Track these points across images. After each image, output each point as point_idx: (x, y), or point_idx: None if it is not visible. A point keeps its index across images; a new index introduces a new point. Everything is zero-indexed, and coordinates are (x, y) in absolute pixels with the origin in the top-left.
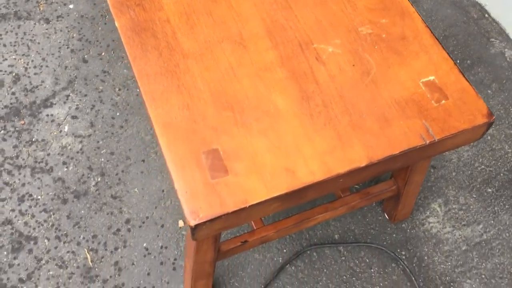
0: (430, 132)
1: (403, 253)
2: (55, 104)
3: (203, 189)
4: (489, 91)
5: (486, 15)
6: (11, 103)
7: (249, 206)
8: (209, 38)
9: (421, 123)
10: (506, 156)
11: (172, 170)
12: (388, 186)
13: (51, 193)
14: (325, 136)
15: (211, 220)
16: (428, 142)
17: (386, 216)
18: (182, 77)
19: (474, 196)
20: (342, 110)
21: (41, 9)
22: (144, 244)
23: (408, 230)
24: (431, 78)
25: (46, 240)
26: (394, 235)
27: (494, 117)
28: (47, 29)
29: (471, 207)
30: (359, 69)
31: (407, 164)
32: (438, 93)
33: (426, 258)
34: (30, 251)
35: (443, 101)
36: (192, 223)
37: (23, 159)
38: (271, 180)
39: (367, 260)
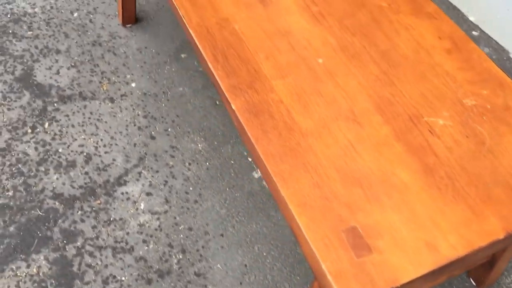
0: None
1: None
2: (128, 181)
3: (351, 269)
4: None
5: None
6: (85, 183)
7: (400, 286)
8: (323, 116)
9: None
10: None
11: (317, 251)
12: None
13: (134, 273)
14: (456, 209)
15: None
16: None
17: (473, 281)
18: (305, 155)
19: None
20: (467, 182)
21: (105, 88)
22: None
23: None
24: None
25: None
26: None
27: None
28: (112, 108)
29: None
30: (473, 140)
31: None
32: None
33: None
34: None
35: None
36: None
37: (103, 240)
38: (415, 257)
39: None
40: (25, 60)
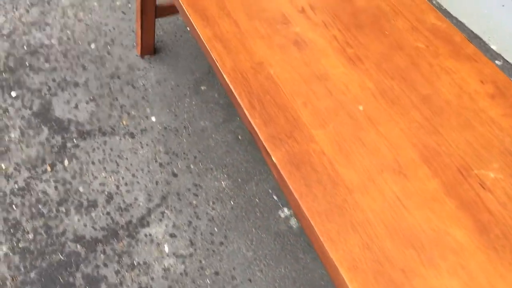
0: None
1: None
2: (151, 222)
3: None
4: None
5: None
6: (107, 225)
7: None
8: (368, 168)
9: None
10: None
11: None
12: None
13: None
14: None
15: None
16: None
17: None
18: (353, 213)
19: None
20: None
21: (124, 123)
22: None
23: None
24: None
25: None
26: None
27: None
28: (133, 144)
29: None
30: None
31: None
32: None
33: None
34: None
35: None
36: None
37: (128, 286)
38: None
39: None
40: (43, 94)
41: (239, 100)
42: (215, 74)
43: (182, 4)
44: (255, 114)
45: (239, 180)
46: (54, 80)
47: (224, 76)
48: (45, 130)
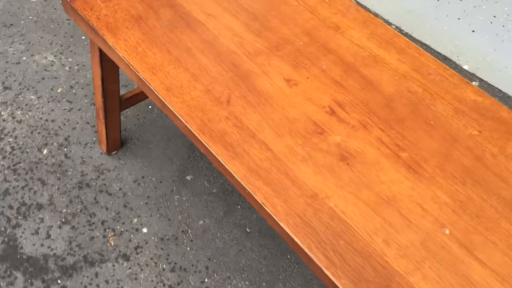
0: None
1: None
2: None
3: None
4: None
5: None
6: None
7: None
8: None
9: None
10: None
11: None
12: None
13: None
14: None
15: None
16: None
17: None
18: None
19: None
20: None
21: (112, 244)
22: None
23: None
24: None
25: None
26: None
27: None
28: (130, 268)
29: None
30: None
31: None
32: None
33: None
34: None
35: None
36: None
37: None
38: None
39: None
40: (3, 229)
41: (310, 255)
42: (197, 158)
43: (198, 136)
44: (338, 273)
45: (264, 284)
46: (11, 207)
47: (282, 226)
48: (19, 277)
